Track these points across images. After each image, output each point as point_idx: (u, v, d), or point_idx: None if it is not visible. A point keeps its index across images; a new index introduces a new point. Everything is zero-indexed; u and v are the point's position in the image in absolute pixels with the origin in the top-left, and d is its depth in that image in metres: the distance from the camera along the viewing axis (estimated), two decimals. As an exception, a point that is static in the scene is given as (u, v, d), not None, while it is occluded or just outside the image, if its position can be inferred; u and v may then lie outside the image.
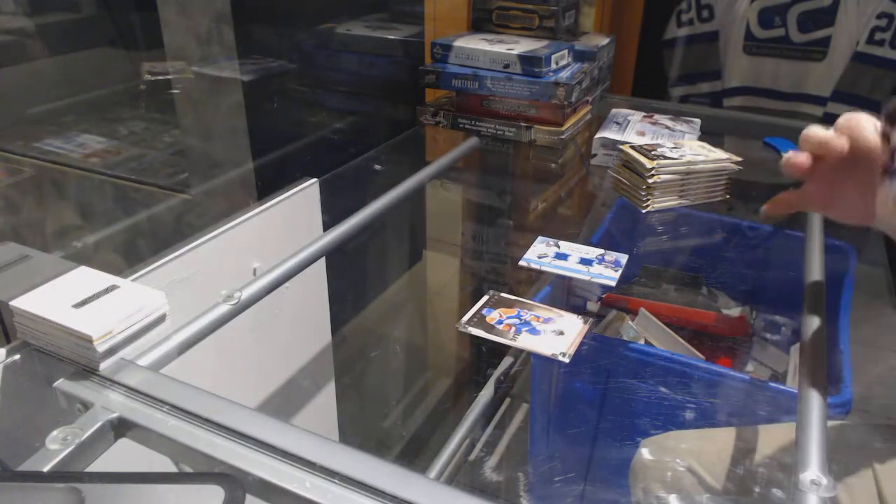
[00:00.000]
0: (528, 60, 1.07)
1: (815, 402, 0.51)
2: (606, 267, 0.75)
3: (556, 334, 0.66)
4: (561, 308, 0.72)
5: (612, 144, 1.03)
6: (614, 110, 1.19)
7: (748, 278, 1.04)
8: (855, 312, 0.80)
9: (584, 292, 1.02)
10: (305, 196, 0.91)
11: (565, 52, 1.12)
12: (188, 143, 0.94)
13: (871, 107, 1.68)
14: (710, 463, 0.63)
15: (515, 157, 1.18)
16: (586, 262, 0.76)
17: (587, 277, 0.74)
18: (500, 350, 0.67)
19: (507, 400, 1.12)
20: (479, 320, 0.68)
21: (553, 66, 1.09)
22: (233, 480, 0.39)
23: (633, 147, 0.94)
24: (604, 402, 0.81)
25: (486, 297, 0.72)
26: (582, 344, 0.65)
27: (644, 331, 0.92)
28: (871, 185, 0.50)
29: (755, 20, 1.47)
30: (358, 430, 1.23)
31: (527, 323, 0.68)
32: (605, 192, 1.01)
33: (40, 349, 0.51)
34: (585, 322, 0.68)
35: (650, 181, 0.88)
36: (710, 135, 1.06)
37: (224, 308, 0.60)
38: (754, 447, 0.63)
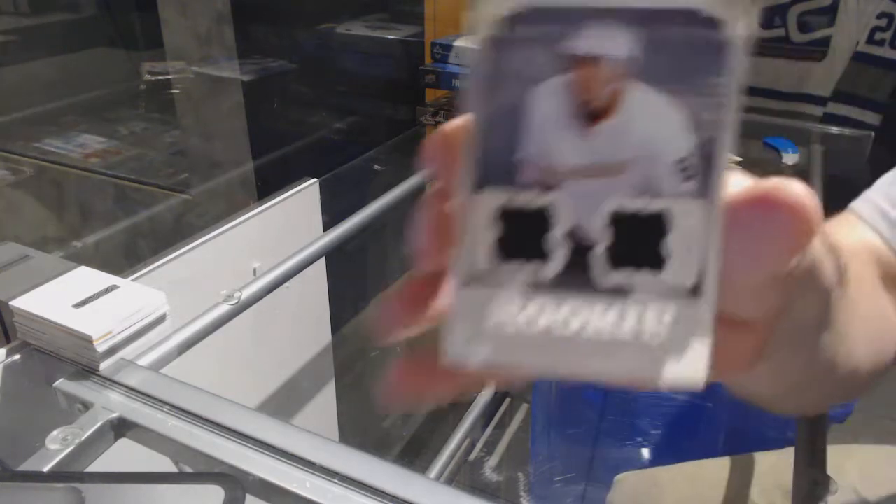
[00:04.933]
0: (528, 60, 1.07)
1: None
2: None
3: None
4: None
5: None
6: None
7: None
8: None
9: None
10: (305, 196, 0.91)
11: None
12: (188, 143, 0.94)
13: (872, 107, 1.68)
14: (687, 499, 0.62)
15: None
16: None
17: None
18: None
19: (507, 400, 1.12)
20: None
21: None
22: (233, 480, 0.39)
23: (633, 147, 0.94)
24: (605, 403, 0.81)
25: None
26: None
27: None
28: None
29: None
30: (358, 430, 1.23)
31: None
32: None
33: (40, 349, 0.51)
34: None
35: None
36: (710, 135, 1.06)
37: (224, 308, 0.60)
38: (735, 481, 0.62)
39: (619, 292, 0.17)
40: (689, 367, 0.17)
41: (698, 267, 0.17)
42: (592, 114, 0.17)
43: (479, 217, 0.17)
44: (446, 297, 0.18)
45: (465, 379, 0.20)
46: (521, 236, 0.17)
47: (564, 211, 0.17)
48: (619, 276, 0.17)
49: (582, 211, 0.17)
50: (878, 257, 0.39)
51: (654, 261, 0.17)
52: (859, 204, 0.42)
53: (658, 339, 0.17)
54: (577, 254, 0.17)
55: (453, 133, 0.18)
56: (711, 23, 0.16)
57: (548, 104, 0.17)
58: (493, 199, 0.17)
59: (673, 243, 0.17)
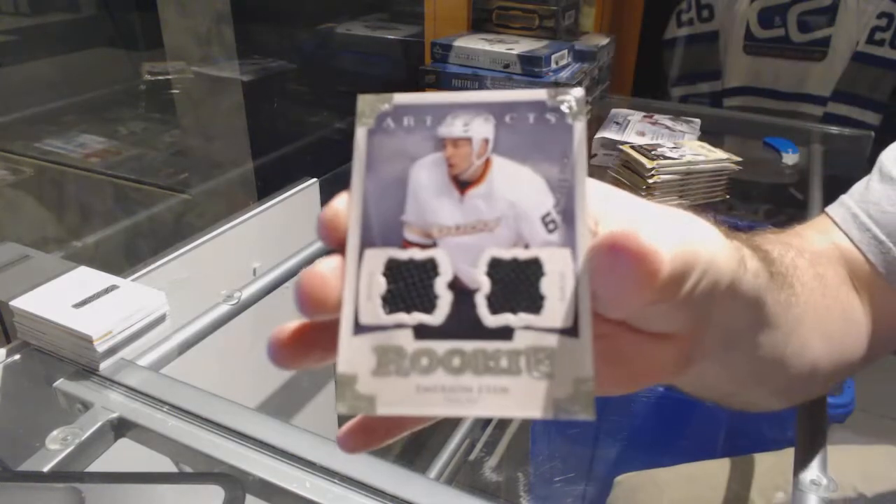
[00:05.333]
0: (527, 60, 1.07)
1: (814, 402, 0.51)
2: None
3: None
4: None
5: (612, 144, 1.02)
6: (614, 110, 1.19)
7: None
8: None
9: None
10: (305, 196, 0.91)
11: (565, 52, 1.12)
12: (188, 143, 0.94)
13: (872, 106, 1.67)
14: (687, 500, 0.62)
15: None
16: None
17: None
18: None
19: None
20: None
21: (553, 66, 1.09)
22: (233, 480, 0.39)
23: (632, 147, 0.94)
24: (605, 403, 0.80)
25: None
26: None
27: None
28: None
29: (755, 20, 1.47)
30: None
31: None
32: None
33: (40, 349, 0.51)
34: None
35: (650, 181, 0.88)
36: (709, 135, 1.06)
37: (224, 308, 0.60)
38: (734, 482, 0.62)
39: (504, 335, 0.19)
40: (576, 402, 0.18)
41: (573, 309, 0.19)
42: (465, 182, 0.20)
43: (368, 272, 0.19)
44: (336, 346, 0.19)
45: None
46: (408, 288, 0.19)
47: (446, 263, 0.19)
48: (501, 320, 0.19)
49: (462, 262, 0.19)
50: (847, 260, 0.40)
51: (533, 305, 0.19)
52: (833, 208, 0.43)
53: (543, 376, 0.18)
54: (462, 301, 0.19)
55: (341, 204, 0.20)
56: (556, 109, 0.20)
57: (426, 176, 0.20)
58: (381, 256, 0.19)
59: (546, 288, 0.19)
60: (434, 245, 0.19)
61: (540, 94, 0.20)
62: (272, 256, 0.71)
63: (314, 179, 0.93)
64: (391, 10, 1.23)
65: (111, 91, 0.95)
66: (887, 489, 0.58)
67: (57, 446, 0.43)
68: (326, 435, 0.43)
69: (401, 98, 0.20)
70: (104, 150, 0.88)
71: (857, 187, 0.43)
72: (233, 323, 0.61)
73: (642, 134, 1.06)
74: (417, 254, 0.19)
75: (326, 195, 0.94)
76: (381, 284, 0.19)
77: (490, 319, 0.19)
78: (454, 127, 0.20)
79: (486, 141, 0.20)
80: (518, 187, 0.19)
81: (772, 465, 0.63)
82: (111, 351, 0.49)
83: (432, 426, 0.24)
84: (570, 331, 0.18)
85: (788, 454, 0.49)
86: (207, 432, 0.44)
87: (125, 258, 0.84)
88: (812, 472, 0.44)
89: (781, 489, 0.60)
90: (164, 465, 0.45)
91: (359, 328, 0.19)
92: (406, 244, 0.19)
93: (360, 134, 0.20)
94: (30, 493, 0.40)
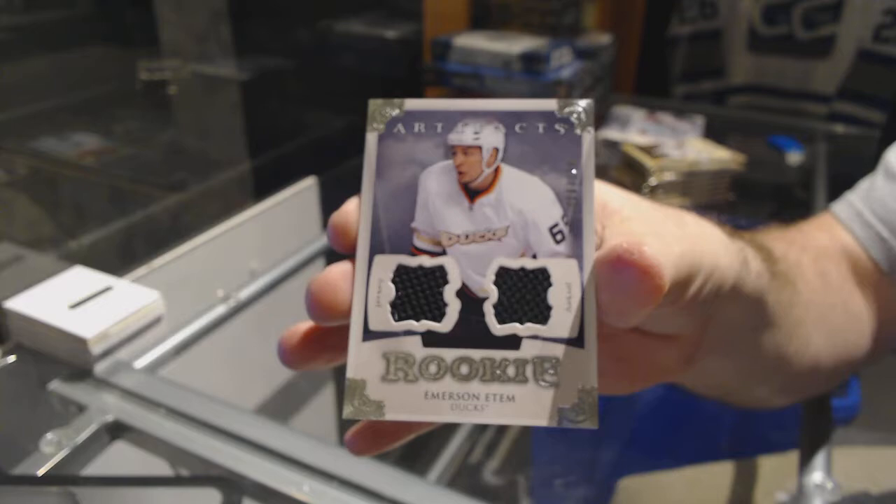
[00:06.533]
0: (528, 58, 1.06)
1: (819, 404, 0.50)
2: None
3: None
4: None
5: (614, 143, 1.02)
6: (616, 108, 1.18)
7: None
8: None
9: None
10: (304, 195, 0.90)
11: (566, 49, 1.12)
12: (185, 141, 0.94)
13: (877, 105, 1.66)
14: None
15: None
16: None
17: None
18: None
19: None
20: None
21: (554, 64, 1.08)
22: (230, 484, 0.39)
23: (635, 146, 0.93)
24: (607, 405, 0.80)
25: None
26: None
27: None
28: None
29: (759, 17, 1.46)
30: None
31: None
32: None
33: (35, 350, 0.50)
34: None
35: (652, 181, 0.88)
36: (713, 133, 1.06)
37: (221, 308, 0.60)
38: (738, 485, 0.61)
39: (511, 343, 0.19)
40: (580, 411, 0.18)
41: (579, 319, 0.19)
42: (474, 190, 0.20)
43: (377, 279, 0.20)
44: (345, 348, 0.19)
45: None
46: (417, 295, 0.19)
47: (455, 271, 0.20)
48: (509, 329, 0.19)
49: (471, 271, 0.20)
50: (851, 257, 0.40)
51: (540, 315, 0.19)
52: (838, 205, 0.43)
53: (548, 385, 0.19)
54: (470, 310, 0.19)
55: (351, 209, 0.20)
56: (565, 119, 0.20)
57: (436, 183, 0.20)
58: (391, 263, 0.20)
59: (553, 298, 0.19)
60: (443, 253, 0.20)
61: (549, 104, 0.20)
62: (270, 256, 0.70)
63: (312, 178, 0.92)
64: (391, 7, 1.23)
65: (106, 89, 0.94)
66: (894, 491, 0.57)
67: (51, 449, 0.42)
68: (324, 438, 0.43)
69: (412, 104, 0.21)
70: (99, 149, 0.87)
71: (862, 185, 0.43)
72: (231, 323, 0.61)
73: (644, 132, 1.05)
74: (427, 261, 0.19)
75: (325, 194, 0.94)
76: (391, 291, 0.19)
77: (497, 328, 0.19)
78: (465, 135, 0.20)
79: (496, 150, 0.20)
80: (527, 197, 0.20)
81: (776, 468, 0.62)
82: (106, 352, 0.49)
83: (433, 428, 0.24)
84: (576, 341, 0.19)
85: (793, 456, 0.49)
86: (204, 435, 0.43)
87: (121, 258, 0.83)
88: (816, 475, 0.43)
89: (786, 492, 0.59)
90: (161, 468, 0.45)
91: (368, 334, 0.19)
92: (415, 251, 0.20)
93: (371, 139, 0.20)
94: (23, 497, 0.39)
